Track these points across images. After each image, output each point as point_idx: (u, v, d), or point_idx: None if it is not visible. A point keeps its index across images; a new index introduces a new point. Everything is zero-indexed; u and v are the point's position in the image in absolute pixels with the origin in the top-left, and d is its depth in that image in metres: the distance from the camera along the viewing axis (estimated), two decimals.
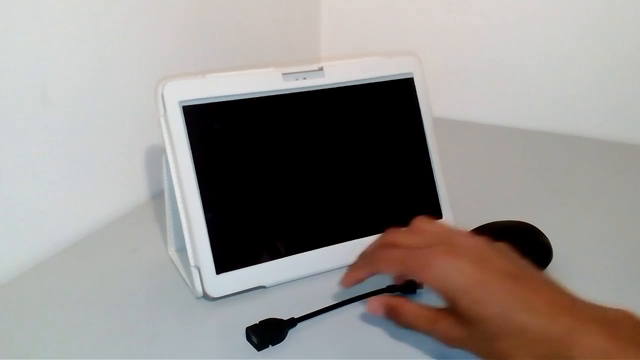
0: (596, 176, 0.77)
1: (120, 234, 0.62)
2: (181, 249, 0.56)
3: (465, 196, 0.65)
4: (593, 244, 0.60)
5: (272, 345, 0.45)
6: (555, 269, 0.55)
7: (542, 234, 0.55)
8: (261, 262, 0.52)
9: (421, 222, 0.45)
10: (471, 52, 0.96)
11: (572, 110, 0.92)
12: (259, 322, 0.46)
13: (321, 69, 0.55)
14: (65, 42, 0.58)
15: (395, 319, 0.44)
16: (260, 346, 0.45)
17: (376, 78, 0.58)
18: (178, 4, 0.71)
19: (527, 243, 0.54)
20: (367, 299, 0.46)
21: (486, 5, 0.93)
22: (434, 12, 0.96)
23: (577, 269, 0.55)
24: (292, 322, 0.47)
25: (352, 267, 0.46)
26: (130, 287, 0.53)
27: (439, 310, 0.41)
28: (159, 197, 0.62)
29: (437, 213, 0.59)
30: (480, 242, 0.41)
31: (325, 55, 1.06)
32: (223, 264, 0.50)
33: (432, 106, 0.60)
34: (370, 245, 0.46)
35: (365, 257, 0.46)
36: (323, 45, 1.06)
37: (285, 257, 0.52)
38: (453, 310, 0.39)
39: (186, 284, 0.53)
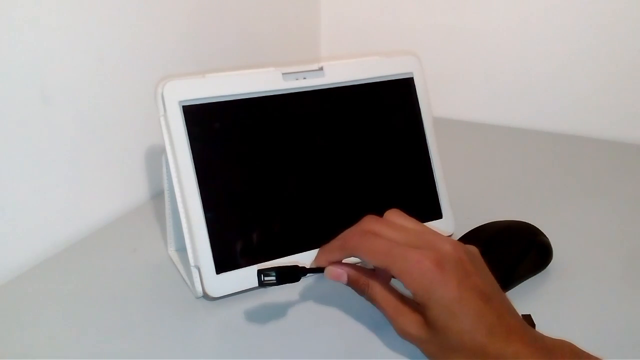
0: (596, 176, 0.77)
1: (120, 234, 0.62)
2: (181, 249, 0.56)
3: (465, 196, 0.65)
4: (593, 244, 0.60)
5: (290, 283, 0.45)
6: (555, 269, 0.55)
7: (542, 234, 0.55)
8: (261, 262, 0.52)
9: (397, 217, 0.45)
10: (471, 52, 0.96)
11: (572, 110, 0.92)
12: (271, 267, 0.46)
13: (321, 68, 0.55)
14: (65, 42, 0.58)
15: (359, 292, 0.45)
16: (279, 281, 0.44)
17: (376, 78, 0.58)
18: (178, 5, 0.71)
19: (527, 243, 0.54)
20: (327, 267, 0.46)
21: (486, 6, 0.93)
22: (434, 12, 0.96)
23: (577, 269, 0.55)
24: (304, 270, 0.46)
25: (325, 248, 0.46)
26: (130, 287, 0.53)
27: (406, 301, 0.43)
28: (159, 197, 0.62)
29: (437, 213, 0.59)
30: (461, 251, 0.42)
31: (325, 55, 1.06)
32: (223, 263, 0.50)
33: (432, 106, 0.60)
34: (348, 230, 0.46)
35: (342, 239, 0.46)
36: (323, 45, 1.06)
37: (285, 257, 0.52)
38: (420, 311, 0.41)
39: (186, 284, 0.53)
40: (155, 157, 0.62)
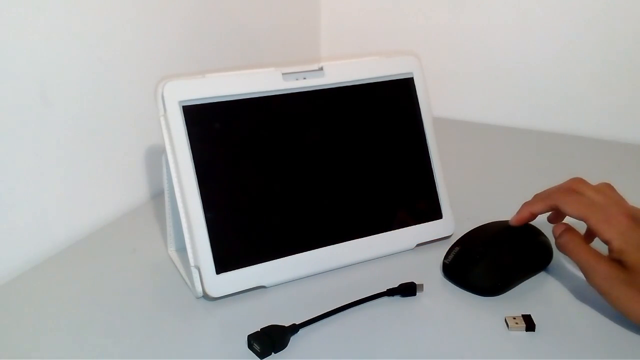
0: (596, 176, 0.76)
1: (120, 234, 0.62)
2: (181, 249, 0.56)
3: (465, 196, 0.65)
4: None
5: (275, 353, 0.45)
6: (555, 269, 0.55)
7: (542, 234, 0.55)
8: (261, 262, 0.52)
9: (605, 185, 0.52)
10: (471, 52, 0.96)
11: (572, 110, 0.92)
12: (261, 329, 0.46)
13: (321, 68, 0.55)
14: (65, 42, 0.58)
15: (562, 243, 0.50)
16: (262, 354, 0.44)
17: (376, 78, 0.58)
18: (178, 4, 0.71)
19: (527, 243, 0.54)
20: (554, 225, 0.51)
21: (486, 6, 0.93)
22: (434, 12, 0.97)
23: (577, 269, 0.55)
24: (294, 329, 0.46)
25: (528, 203, 0.53)
26: (130, 287, 0.53)
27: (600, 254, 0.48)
28: (159, 197, 0.62)
29: (437, 213, 0.59)
30: None
31: (325, 55, 1.06)
32: (223, 263, 0.50)
33: (432, 106, 0.60)
34: (552, 188, 0.53)
35: (546, 193, 0.53)
36: (323, 45, 1.06)
37: (285, 257, 0.52)
38: (616, 259, 0.47)
39: (186, 284, 0.53)
40: (155, 157, 0.62)
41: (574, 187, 0.51)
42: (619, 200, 0.50)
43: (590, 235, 0.52)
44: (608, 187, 0.52)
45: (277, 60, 0.91)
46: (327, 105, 0.56)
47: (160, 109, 0.50)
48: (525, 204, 0.53)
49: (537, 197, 0.53)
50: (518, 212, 0.54)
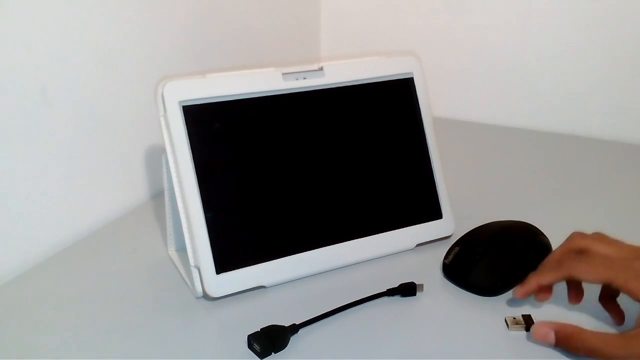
0: (596, 176, 0.77)
1: (120, 234, 0.62)
2: (181, 249, 0.56)
3: (465, 196, 0.65)
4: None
5: (275, 353, 0.45)
6: None
7: (542, 234, 0.55)
8: (261, 262, 0.52)
9: (604, 235, 0.46)
10: (471, 52, 0.96)
11: (572, 110, 0.92)
12: (261, 329, 0.46)
13: (321, 68, 0.55)
14: (65, 41, 0.58)
15: (572, 346, 0.43)
16: (262, 354, 0.44)
17: (376, 78, 0.58)
18: (178, 4, 0.71)
19: (527, 243, 0.54)
20: (534, 326, 0.45)
21: (486, 6, 0.93)
22: (433, 12, 0.96)
23: None
24: (294, 329, 0.46)
25: (536, 274, 0.46)
26: (130, 287, 0.53)
27: (628, 333, 0.42)
28: (159, 197, 0.62)
29: (437, 213, 0.59)
30: None
31: (325, 55, 1.06)
32: (223, 263, 0.50)
33: (432, 106, 0.60)
34: (556, 251, 0.47)
35: (554, 262, 0.46)
36: (323, 45, 1.06)
37: (285, 257, 0.52)
38: None
39: (186, 284, 0.53)
40: (155, 157, 0.62)
41: (580, 246, 0.46)
42: (633, 249, 0.45)
43: (576, 288, 0.47)
44: (605, 236, 0.46)
45: (277, 60, 0.91)
46: (327, 105, 0.56)
47: (160, 109, 0.50)
48: (533, 275, 0.47)
49: (546, 267, 0.46)
50: (525, 283, 0.47)
